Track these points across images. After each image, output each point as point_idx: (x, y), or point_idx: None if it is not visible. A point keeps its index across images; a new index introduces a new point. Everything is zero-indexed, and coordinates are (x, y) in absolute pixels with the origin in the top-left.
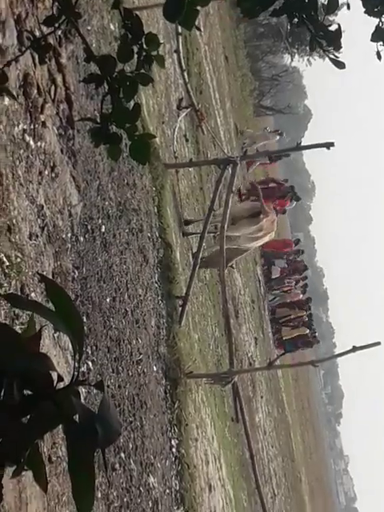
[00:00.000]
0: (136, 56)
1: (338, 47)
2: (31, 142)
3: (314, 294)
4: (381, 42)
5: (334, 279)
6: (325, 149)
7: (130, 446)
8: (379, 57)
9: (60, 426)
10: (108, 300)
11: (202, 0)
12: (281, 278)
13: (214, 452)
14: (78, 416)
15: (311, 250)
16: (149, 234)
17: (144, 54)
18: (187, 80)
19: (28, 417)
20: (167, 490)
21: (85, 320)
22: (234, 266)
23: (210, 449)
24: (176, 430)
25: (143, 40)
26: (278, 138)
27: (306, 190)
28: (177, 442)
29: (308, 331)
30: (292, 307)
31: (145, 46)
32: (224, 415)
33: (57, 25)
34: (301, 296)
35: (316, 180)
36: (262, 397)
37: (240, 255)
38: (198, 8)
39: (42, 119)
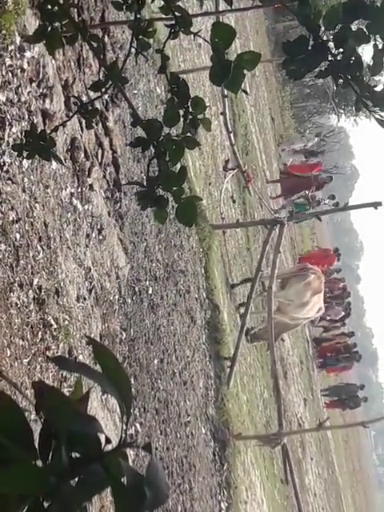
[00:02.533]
0: (182, 119)
1: (383, 107)
2: (79, 205)
3: (363, 354)
4: None
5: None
6: (372, 208)
7: (179, 508)
8: None
9: (108, 489)
10: (156, 361)
11: (249, 63)
12: None
13: None
14: (126, 478)
15: (360, 310)
16: (196, 295)
17: (190, 117)
18: (233, 141)
19: (76, 479)
20: None
21: (132, 382)
22: (283, 338)
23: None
24: (225, 493)
25: (189, 103)
26: (316, 139)
27: (354, 249)
28: (226, 504)
29: (348, 340)
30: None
31: (191, 109)
32: (273, 477)
33: (104, 90)
34: (342, 313)
35: (364, 240)
36: (311, 458)
37: (289, 330)
38: (245, 71)
39: (90, 182)
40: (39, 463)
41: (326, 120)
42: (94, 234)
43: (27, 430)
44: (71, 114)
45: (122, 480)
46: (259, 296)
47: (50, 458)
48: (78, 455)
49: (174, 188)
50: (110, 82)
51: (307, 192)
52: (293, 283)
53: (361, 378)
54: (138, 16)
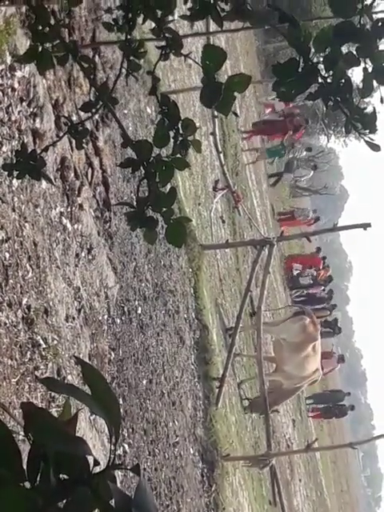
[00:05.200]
0: (172, 140)
1: (373, 130)
2: (68, 225)
3: (352, 376)
4: None
5: (372, 360)
6: (362, 229)
7: None
8: None
9: (96, 511)
10: (144, 382)
11: (239, 86)
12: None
13: None
14: (114, 500)
15: (349, 330)
16: (185, 316)
17: (180, 138)
18: (223, 162)
19: (64, 501)
20: None
21: (121, 402)
22: (278, 410)
23: None
24: None
25: (180, 125)
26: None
27: (344, 270)
28: None
29: (329, 313)
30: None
31: (181, 130)
32: (262, 498)
33: (94, 110)
34: (322, 288)
35: (353, 260)
36: (300, 480)
37: (286, 397)
38: (235, 93)
39: (79, 202)
40: (27, 485)
41: (316, 141)
42: (83, 254)
43: (15, 452)
44: (61, 134)
45: (110, 502)
46: (251, 327)
47: (38, 479)
48: (66, 477)
49: (164, 209)
50: (101, 103)
51: (284, 138)
52: (286, 324)
53: (350, 398)
54: (129, 37)
